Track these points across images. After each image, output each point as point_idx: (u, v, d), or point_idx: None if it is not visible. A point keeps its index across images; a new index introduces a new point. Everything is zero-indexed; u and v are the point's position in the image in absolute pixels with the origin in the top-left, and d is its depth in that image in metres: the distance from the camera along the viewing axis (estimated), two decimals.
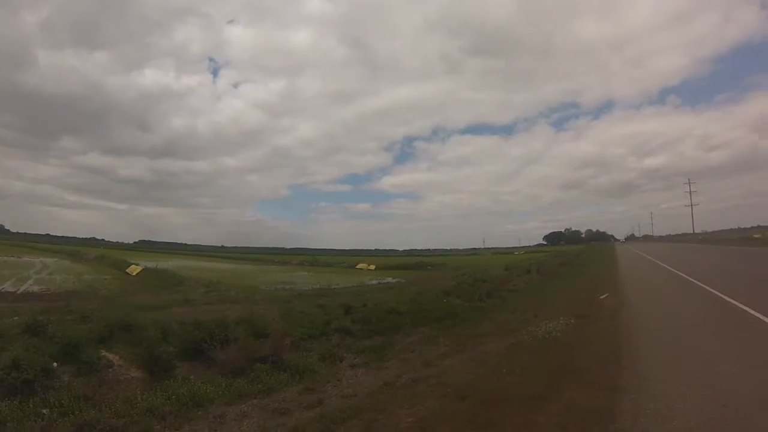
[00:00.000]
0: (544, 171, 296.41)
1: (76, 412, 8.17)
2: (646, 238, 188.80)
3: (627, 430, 5.98)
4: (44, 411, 8.23)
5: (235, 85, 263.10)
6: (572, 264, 48.03)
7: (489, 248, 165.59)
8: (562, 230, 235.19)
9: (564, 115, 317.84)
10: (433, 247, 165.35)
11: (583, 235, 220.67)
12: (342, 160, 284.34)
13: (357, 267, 61.40)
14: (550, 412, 6.72)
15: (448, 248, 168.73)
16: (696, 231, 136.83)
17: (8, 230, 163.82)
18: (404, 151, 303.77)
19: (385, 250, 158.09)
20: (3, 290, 23.58)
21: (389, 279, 38.50)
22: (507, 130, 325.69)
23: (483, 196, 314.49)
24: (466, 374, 9.63)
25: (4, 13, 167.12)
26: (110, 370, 10.52)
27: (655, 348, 10.40)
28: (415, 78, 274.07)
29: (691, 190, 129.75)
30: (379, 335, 14.76)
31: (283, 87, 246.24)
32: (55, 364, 9.84)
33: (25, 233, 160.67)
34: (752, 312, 12.95)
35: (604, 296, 18.52)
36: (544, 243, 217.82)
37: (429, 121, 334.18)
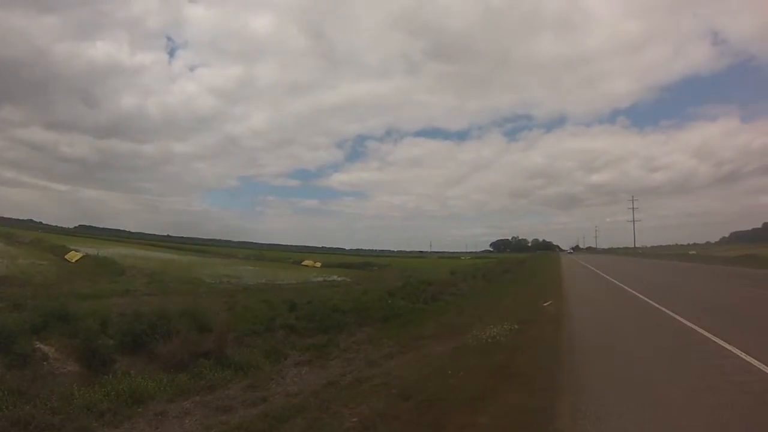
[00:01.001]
0: (493, 178, 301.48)
1: (10, 407, 7.88)
2: (590, 249, 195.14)
3: (565, 429, 6.20)
4: None
5: (191, 68, 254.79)
6: (518, 271, 49.18)
7: (435, 252, 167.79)
8: (509, 238, 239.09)
9: (517, 126, 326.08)
10: (380, 248, 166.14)
11: (529, 244, 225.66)
12: (293, 153, 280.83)
13: (303, 263, 61.20)
14: (491, 413, 6.93)
15: (395, 249, 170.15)
16: (636, 245, 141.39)
17: None
18: (356, 150, 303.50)
19: (333, 248, 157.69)
20: None
21: (335, 277, 38.59)
22: (460, 136, 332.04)
23: (431, 199, 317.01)
24: (411, 375, 9.85)
25: None
26: (45, 363, 10.23)
27: (593, 352, 10.81)
28: (373, 75, 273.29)
29: (634, 207, 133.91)
30: (323, 333, 14.98)
31: (240, 74, 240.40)
32: None
33: None
34: (685, 322, 13.79)
35: (547, 303, 19.14)
36: (491, 249, 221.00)
37: (383, 121, 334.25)
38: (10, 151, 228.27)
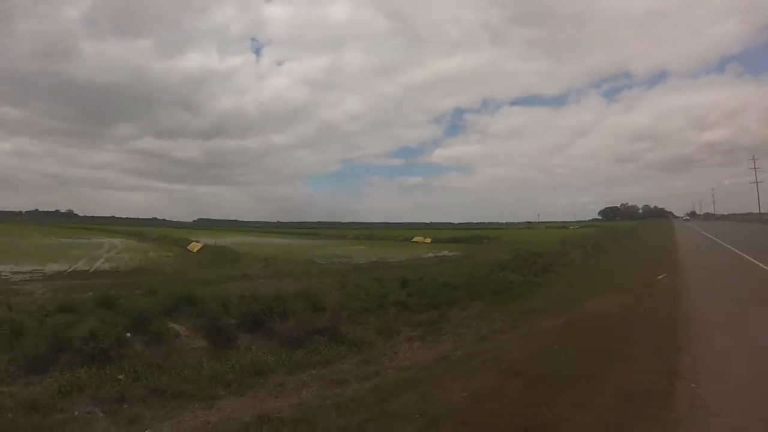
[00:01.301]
0: (596, 143, 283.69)
1: (149, 377, 9.07)
2: (707, 216, 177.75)
3: (683, 419, 5.92)
4: (120, 377, 9.16)
5: (279, 63, 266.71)
6: (628, 240, 46.58)
7: (544, 222, 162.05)
8: (618, 205, 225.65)
9: (615, 86, 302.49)
10: (488, 220, 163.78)
11: (640, 211, 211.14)
12: (392, 133, 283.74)
13: (413, 240, 61.57)
14: (603, 393, 6.78)
15: (503, 221, 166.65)
16: (762, 210, 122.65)
17: (77, 215, 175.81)
18: (454, 124, 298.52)
19: (440, 223, 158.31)
20: (77, 269, 25.38)
21: (445, 252, 38.39)
22: (557, 102, 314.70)
23: (535, 168, 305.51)
24: (520, 350, 9.75)
25: (47, 9, 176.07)
26: (177, 340, 11.40)
27: (714, 334, 10.16)
28: (459, 49, 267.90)
29: (756, 166, 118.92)
30: (434, 309, 14.94)
31: (327, 62, 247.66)
32: (128, 334, 10.80)
33: (93, 216, 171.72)
34: None
35: (662, 276, 17.99)
36: (599, 218, 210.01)
37: (477, 93, 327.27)
38: (130, 162, 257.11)
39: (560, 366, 8.23)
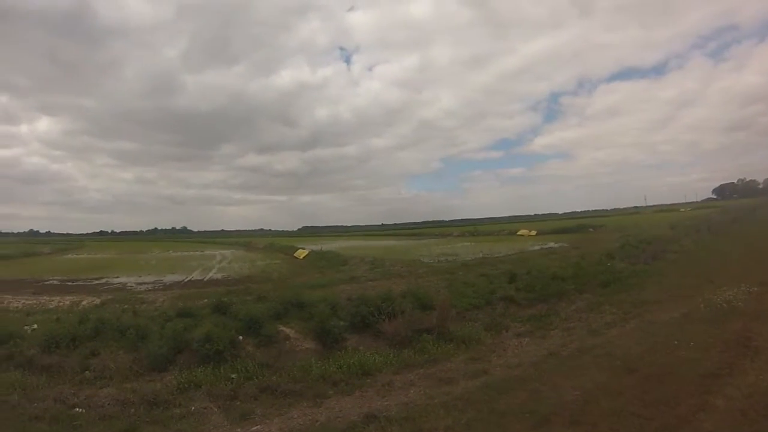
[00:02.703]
0: (702, 113, 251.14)
1: (260, 377, 9.92)
2: None
3: None
4: (233, 376, 10.12)
5: (369, 68, 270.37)
6: (749, 221, 42.29)
7: (651, 206, 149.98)
8: (734, 181, 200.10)
9: (720, 43, 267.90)
10: (592, 208, 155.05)
11: (760, 186, 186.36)
12: (489, 125, 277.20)
13: (518, 234, 60.66)
14: (728, 395, 6.30)
15: (608, 208, 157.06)
16: None
17: (190, 230, 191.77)
18: (551, 109, 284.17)
19: (544, 214, 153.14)
20: (193, 279, 27.54)
21: (551, 244, 37.33)
22: (657, 71, 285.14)
23: (638, 148, 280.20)
24: (634, 346, 9.32)
25: (149, 53, 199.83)
26: (287, 342, 12.24)
27: None
28: (546, 28, 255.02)
29: None
30: (543, 303, 14.88)
31: (417, 61, 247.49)
32: (240, 337, 11.81)
33: (204, 231, 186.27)
34: None
35: None
36: (713, 197, 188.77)
37: (571, 73, 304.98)
38: (235, 178, 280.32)
39: (681, 363, 7.76)
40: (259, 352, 11.36)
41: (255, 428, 7.39)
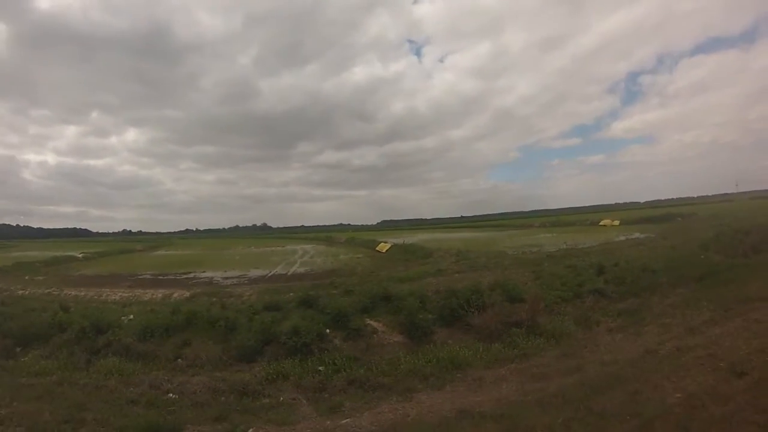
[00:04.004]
0: None
1: (347, 370, 10.17)
2: None
3: None
4: (320, 368, 10.47)
5: (441, 59, 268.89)
6: None
7: (745, 192, 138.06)
8: None
9: None
10: (678, 196, 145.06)
11: None
12: (567, 111, 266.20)
13: (601, 224, 58.51)
14: None
15: (695, 195, 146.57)
16: None
17: (271, 227, 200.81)
18: (630, 90, 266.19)
19: (626, 203, 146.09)
20: (277, 273, 28.39)
21: (637, 234, 35.55)
22: (746, 38, 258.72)
23: (728, 127, 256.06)
24: (740, 346, 8.48)
25: (224, 63, 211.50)
26: (374, 335, 12.46)
27: None
28: (622, 1, 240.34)
29: None
30: (634, 296, 14.38)
31: (489, 48, 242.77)
32: (327, 330, 12.16)
33: (284, 227, 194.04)
34: None
35: None
36: None
37: (650, 49, 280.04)
38: (314, 175, 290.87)
39: None
40: (347, 345, 11.62)
41: (344, 421, 7.45)
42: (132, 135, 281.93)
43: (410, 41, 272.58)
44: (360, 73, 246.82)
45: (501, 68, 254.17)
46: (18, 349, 12.80)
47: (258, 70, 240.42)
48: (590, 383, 7.71)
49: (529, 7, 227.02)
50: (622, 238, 34.02)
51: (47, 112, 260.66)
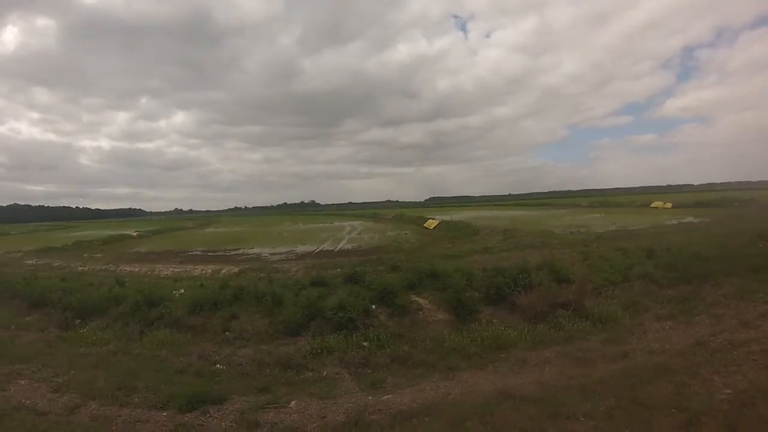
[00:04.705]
0: None
1: (391, 346, 10.33)
2: None
3: None
4: (365, 344, 10.70)
5: (487, 35, 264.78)
6: None
7: None
8: None
9: None
10: (735, 179, 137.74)
11: None
12: (616, 89, 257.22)
13: (651, 206, 56.55)
14: None
15: (755, 180, 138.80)
16: None
17: (318, 204, 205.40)
18: (685, 66, 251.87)
19: (678, 185, 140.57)
20: (324, 249, 28.86)
21: (690, 218, 34.13)
22: None
23: None
24: None
25: (266, 44, 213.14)
26: (420, 312, 12.62)
27: None
28: None
29: None
30: (685, 284, 13.84)
31: (534, 24, 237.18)
32: (373, 306, 12.42)
33: (332, 204, 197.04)
34: None
35: None
36: None
37: (708, 22, 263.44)
38: (360, 152, 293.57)
39: None
40: (392, 322, 11.82)
41: (386, 397, 7.56)
42: (180, 118, 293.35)
43: (455, 17, 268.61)
44: (404, 50, 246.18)
45: (547, 45, 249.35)
46: (77, 321, 13.89)
47: (300, 50, 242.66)
48: (636, 372, 7.52)
49: None
50: (674, 221, 32.97)
51: (99, 100, 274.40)
